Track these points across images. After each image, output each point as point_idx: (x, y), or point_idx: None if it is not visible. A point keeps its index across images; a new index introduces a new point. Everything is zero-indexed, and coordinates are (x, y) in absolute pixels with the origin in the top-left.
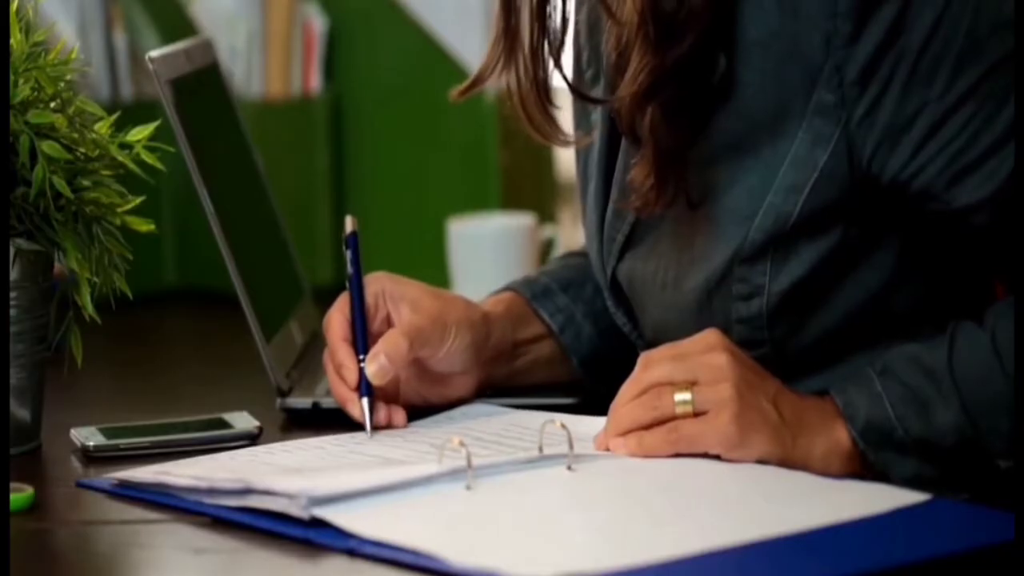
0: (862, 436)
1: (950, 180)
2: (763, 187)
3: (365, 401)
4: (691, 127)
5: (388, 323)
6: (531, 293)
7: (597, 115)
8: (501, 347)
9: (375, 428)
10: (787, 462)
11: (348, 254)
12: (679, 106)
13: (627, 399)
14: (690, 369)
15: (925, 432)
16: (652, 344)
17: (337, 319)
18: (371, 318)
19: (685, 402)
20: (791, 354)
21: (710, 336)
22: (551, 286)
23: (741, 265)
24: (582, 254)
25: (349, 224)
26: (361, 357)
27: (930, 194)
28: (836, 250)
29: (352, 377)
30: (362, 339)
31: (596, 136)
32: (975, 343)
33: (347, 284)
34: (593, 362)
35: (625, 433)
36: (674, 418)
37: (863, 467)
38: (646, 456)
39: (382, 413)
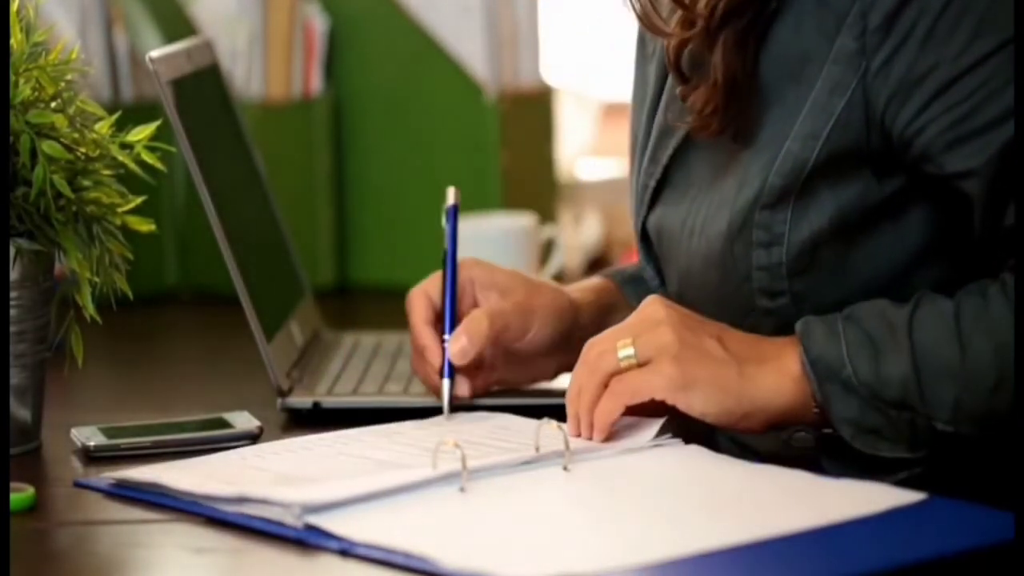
0: (812, 366)
1: (947, 144)
2: (784, 132)
3: (446, 383)
4: (755, 62)
5: (474, 307)
6: (621, 278)
7: (652, 73)
8: (587, 334)
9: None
10: (734, 394)
11: (447, 228)
12: (748, 38)
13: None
14: (629, 329)
15: (872, 377)
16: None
17: (420, 300)
18: (458, 301)
19: (628, 356)
20: (808, 314)
21: (649, 300)
22: (639, 274)
23: (762, 211)
24: None
25: (451, 196)
26: (446, 337)
27: (927, 155)
28: (857, 208)
29: (436, 359)
30: (451, 318)
31: (648, 94)
32: (938, 310)
33: (443, 259)
34: None
35: (580, 414)
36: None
37: (808, 399)
38: (604, 425)
39: (464, 387)
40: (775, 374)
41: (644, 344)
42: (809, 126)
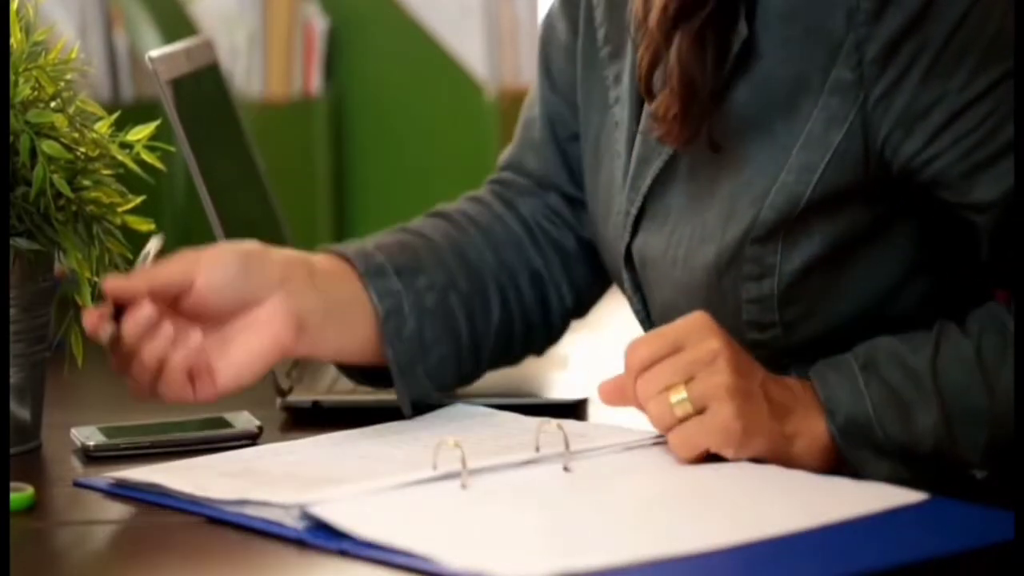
0: (841, 433)
1: (964, 172)
2: (776, 165)
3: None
4: (715, 67)
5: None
6: (364, 267)
7: (623, 100)
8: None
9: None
10: (780, 455)
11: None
12: (704, 40)
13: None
14: (683, 365)
15: (904, 436)
16: (662, 324)
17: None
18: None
19: (682, 401)
20: (799, 342)
21: (700, 319)
22: (386, 266)
23: (753, 245)
24: (419, 234)
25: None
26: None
27: (943, 183)
28: (849, 234)
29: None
30: None
31: (624, 119)
32: (960, 351)
33: None
34: (405, 363)
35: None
36: (674, 420)
37: (838, 461)
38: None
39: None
40: (808, 439)
41: (700, 393)
42: (805, 158)
